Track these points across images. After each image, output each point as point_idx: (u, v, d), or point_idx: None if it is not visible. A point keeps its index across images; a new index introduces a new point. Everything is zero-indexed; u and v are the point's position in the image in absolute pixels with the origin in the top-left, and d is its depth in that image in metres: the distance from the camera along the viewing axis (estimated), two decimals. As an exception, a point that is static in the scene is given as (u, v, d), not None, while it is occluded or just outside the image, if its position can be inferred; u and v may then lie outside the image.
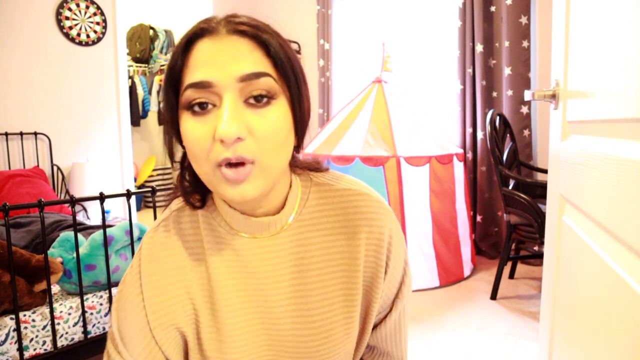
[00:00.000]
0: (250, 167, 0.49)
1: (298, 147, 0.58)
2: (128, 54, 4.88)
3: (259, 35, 0.51)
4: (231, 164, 0.49)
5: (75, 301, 1.37)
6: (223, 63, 0.48)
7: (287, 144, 0.53)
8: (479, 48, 2.90)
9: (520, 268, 2.80)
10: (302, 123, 0.55)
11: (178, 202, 0.63)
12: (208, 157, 0.49)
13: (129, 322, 0.57)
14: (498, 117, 2.43)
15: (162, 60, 5.09)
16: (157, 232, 0.60)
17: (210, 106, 0.49)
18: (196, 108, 0.49)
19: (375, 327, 0.68)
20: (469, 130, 3.03)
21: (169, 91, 0.52)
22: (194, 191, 0.61)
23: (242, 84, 0.49)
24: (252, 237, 0.59)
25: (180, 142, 0.55)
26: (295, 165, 0.63)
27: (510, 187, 2.33)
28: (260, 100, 0.49)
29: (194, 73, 0.49)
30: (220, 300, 0.58)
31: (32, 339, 1.26)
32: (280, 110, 0.51)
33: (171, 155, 0.59)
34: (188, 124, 0.50)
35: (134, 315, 0.57)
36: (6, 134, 2.88)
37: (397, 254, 0.63)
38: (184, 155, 0.59)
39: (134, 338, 0.57)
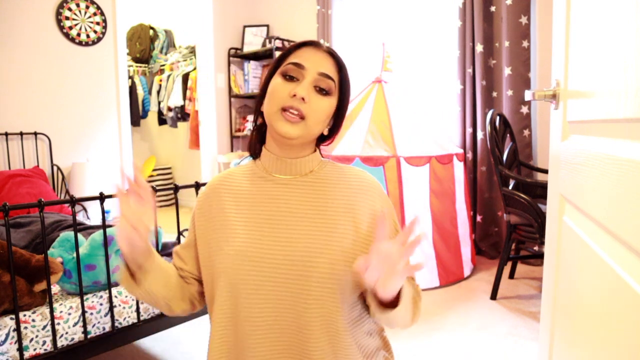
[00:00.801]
0: (300, 120, 0.79)
1: (329, 136, 0.89)
2: (128, 54, 4.88)
3: (339, 60, 0.84)
4: (290, 112, 0.78)
5: (75, 301, 1.37)
6: (315, 61, 0.81)
7: (324, 122, 0.83)
8: (479, 48, 2.90)
9: (520, 268, 2.80)
10: (338, 117, 0.87)
11: (248, 160, 0.94)
12: (279, 102, 0.78)
13: (190, 221, 0.92)
14: (498, 117, 2.43)
15: (162, 60, 5.09)
16: (221, 173, 0.92)
17: (295, 79, 0.80)
18: (288, 76, 0.80)
19: None
20: (469, 130, 3.03)
21: (274, 65, 0.84)
22: (256, 149, 0.91)
23: (318, 76, 0.80)
24: (278, 176, 0.86)
25: (261, 103, 0.84)
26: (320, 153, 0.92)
27: (510, 187, 2.33)
28: (322, 91, 0.81)
29: (297, 58, 0.81)
30: (243, 212, 0.84)
31: (32, 339, 1.26)
32: (329, 102, 0.82)
33: (258, 108, 0.87)
34: (278, 81, 0.81)
35: (192, 217, 0.91)
36: (6, 134, 2.88)
37: (388, 214, 0.86)
38: (255, 123, 0.90)
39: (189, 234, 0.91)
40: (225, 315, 0.81)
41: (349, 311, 0.81)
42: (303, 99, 0.77)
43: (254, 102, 0.90)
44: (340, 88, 0.84)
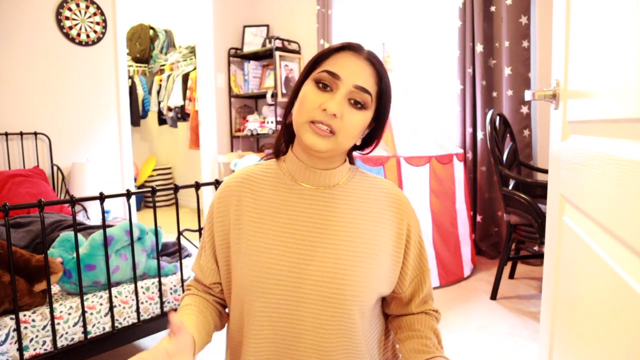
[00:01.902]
0: (330, 135, 0.73)
1: (361, 147, 0.84)
2: (128, 54, 4.88)
3: (380, 70, 0.76)
4: (320, 126, 0.73)
5: (75, 301, 1.37)
6: (352, 71, 0.73)
7: (356, 137, 0.77)
8: (479, 48, 2.90)
9: (520, 268, 2.80)
10: (375, 133, 0.82)
11: (268, 159, 0.88)
12: (308, 114, 0.73)
13: (206, 228, 0.86)
14: (498, 117, 2.43)
15: (162, 60, 5.09)
16: (240, 171, 0.86)
17: (329, 88, 0.74)
18: (321, 85, 0.74)
19: (413, 298, 0.86)
20: (469, 130, 3.03)
21: (309, 67, 0.77)
22: (281, 150, 0.86)
23: (354, 89, 0.73)
24: (304, 185, 0.81)
25: (292, 103, 0.79)
26: (351, 160, 0.88)
27: (510, 187, 2.33)
28: (357, 104, 0.74)
29: (333, 65, 0.74)
30: (265, 223, 0.79)
31: (32, 339, 1.26)
32: (364, 116, 0.75)
33: (289, 107, 0.81)
34: (310, 89, 0.74)
35: (209, 220, 0.86)
36: (6, 134, 2.88)
37: (413, 234, 0.83)
38: (284, 123, 0.84)
39: (205, 236, 0.86)
40: (236, 328, 0.82)
41: (368, 330, 0.81)
42: (335, 115, 0.71)
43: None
44: (379, 99, 0.77)
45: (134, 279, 1.46)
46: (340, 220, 0.79)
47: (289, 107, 0.81)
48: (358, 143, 0.82)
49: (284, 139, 0.85)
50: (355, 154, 0.89)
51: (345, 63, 0.74)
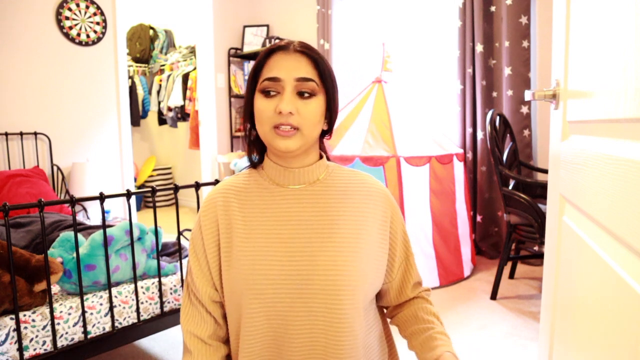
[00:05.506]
0: (295, 131, 0.77)
1: (328, 131, 0.87)
2: (128, 54, 4.88)
3: (313, 55, 0.79)
4: (283, 128, 0.76)
5: (75, 301, 1.37)
6: (288, 68, 0.77)
7: (319, 124, 0.80)
8: (479, 48, 2.90)
9: (520, 268, 2.80)
10: (331, 113, 0.83)
11: (245, 170, 0.91)
12: (269, 122, 0.77)
13: (195, 240, 0.85)
14: (498, 117, 2.43)
15: (162, 60, 5.09)
16: (221, 184, 0.88)
17: (275, 93, 0.77)
18: (267, 92, 0.77)
19: (405, 282, 0.90)
20: (469, 130, 3.03)
21: (251, 81, 0.81)
22: (255, 158, 0.89)
23: (297, 82, 0.76)
24: (285, 187, 0.84)
25: (251, 116, 0.82)
26: (325, 153, 0.90)
27: (510, 187, 2.33)
28: (305, 94, 0.77)
29: (270, 71, 0.77)
30: (253, 229, 0.81)
31: (32, 339, 1.26)
32: (317, 102, 0.78)
33: (248, 122, 0.85)
34: (260, 101, 0.78)
35: (197, 234, 0.85)
36: (6, 134, 2.88)
37: (396, 221, 0.88)
38: (250, 133, 0.87)
39: (197, 251, 0.85)
40: (234, 332, 0.83)
41: (364, 319, 0.82)
42: (290, 112, 0.75)
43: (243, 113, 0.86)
44: (324, 83, 0.79)
45: (134, 279, 1.46)
46: (326, 215, 0.81)
47: (246, 123, 0.85)
48: (325, 128, 0.85)
49: (257, 150, 0.88)
50: (335, 154, 0.91)
51: (280, 64, 0.77)
